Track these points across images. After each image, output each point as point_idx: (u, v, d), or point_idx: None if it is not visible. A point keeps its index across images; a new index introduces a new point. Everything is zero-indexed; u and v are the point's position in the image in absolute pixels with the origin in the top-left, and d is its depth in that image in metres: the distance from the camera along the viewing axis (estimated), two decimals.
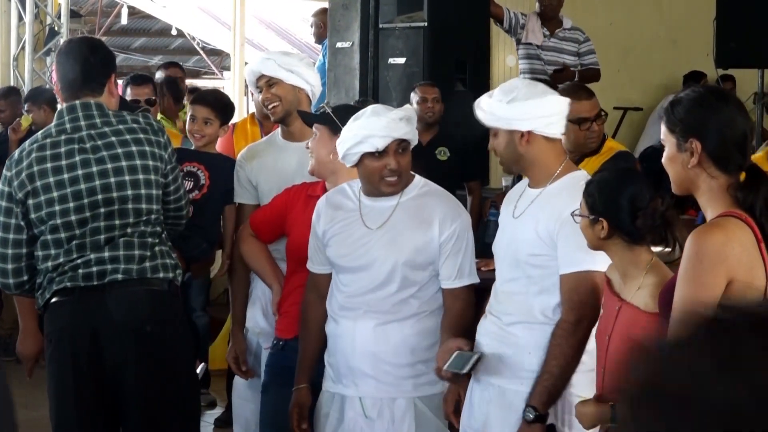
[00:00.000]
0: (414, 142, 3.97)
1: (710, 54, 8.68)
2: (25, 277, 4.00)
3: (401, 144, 3.88)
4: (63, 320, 3.95)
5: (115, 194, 3.94)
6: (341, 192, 4.06)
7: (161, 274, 3.98)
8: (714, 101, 3.03)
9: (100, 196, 3.93)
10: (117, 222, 3.94)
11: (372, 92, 7.80)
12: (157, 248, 4.00)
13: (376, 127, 3.84)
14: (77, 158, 3.94)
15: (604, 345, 3.41)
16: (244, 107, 12.50)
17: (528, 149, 3.68)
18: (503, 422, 3.71)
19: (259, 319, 4.64)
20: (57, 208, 3.91)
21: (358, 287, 3.93)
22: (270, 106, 4.69)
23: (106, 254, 3.92)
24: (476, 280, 3.98)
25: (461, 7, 7.80)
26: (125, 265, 3.92)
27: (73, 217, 3.91)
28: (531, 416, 3.58)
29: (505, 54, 9.57)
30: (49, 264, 3.93)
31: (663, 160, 3.07)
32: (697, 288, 2.91)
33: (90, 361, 3.91)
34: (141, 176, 3.97)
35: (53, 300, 3.95)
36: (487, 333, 3.81)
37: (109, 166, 3.94)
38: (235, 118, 6.41)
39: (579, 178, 3.68)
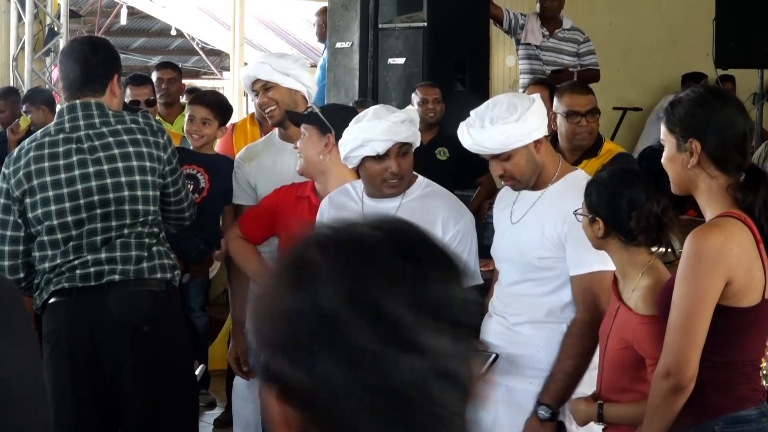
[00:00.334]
0: (416, 144, 3.95)
1: (710, 54, 8.68)
2: (22, 275, 3.99)
3: (403, 147, 3.87)
4: (60, 320, 3.95)
5: (111, 195, 3.93)
6: (344, 192, 4.05)
7: (159, 275, 3.98)
8: (714, 101, 3.03)
9: (96, 197, 3.92)
10: (114, 223, 3.93)
11: (371, 92, 7.79)
12: (154, 249, 4.00)
13: (377, 131, 3.82)
14: (74, 158, 3.93)
15: (603, 344, 3.42)
16: (243, 107, 12.50)
17: (541, 155, 3.71)
18: (513, 422, 3.73)
19: None
20: (53, 207, 3.90)
21: None
22: (267, 110, 4.68)
23: (103, 255, 3.91)
24: (480, 280, 3.97)
25: (461, 7, 7.79)
26: (122, 266, 3.92)
27: (69, 218, 3.90)
28: (547, 415, 3.61)
29: (504, 54, 9.57)
30: (47, 265, 3.92)
31: (663, 160, 3.07)
32: (696, 288, 2.91)
33: (88, 361, 3.91)
34: (138, 177, 3.96)
35: (51, 300, 3.95)
36: (493, 333, 3.81)
37: (105, 167, 3.93)
38: (235, 119, 6.41)
39: (580, 178, 3.70)
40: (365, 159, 3.86)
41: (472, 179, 7.31)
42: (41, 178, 3.92)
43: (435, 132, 7.27)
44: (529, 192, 3.77)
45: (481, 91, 7.98)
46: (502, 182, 3.86)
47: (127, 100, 6.90)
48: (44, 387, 2.18)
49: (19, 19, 10.27)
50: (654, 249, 3.38)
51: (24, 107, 8.19)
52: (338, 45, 7.98)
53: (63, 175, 3.92)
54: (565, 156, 5.23)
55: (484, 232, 6.30)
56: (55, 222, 3.90)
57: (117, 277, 3.91)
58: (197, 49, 17.90)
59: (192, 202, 4.32)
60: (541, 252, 3.68)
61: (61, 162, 3.93)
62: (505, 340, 3.77)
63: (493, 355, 3.67)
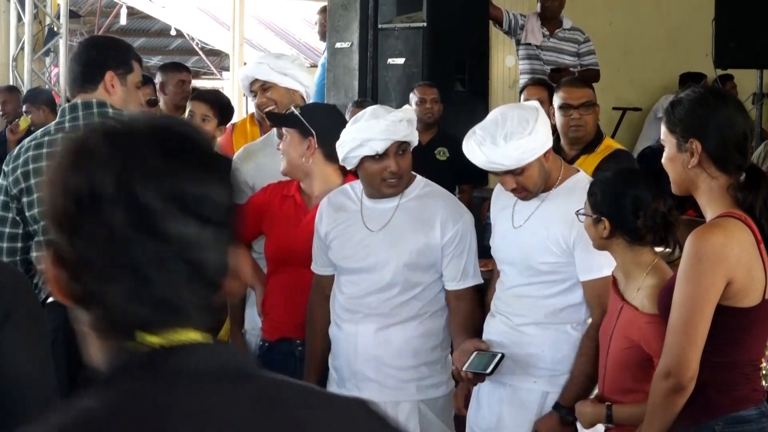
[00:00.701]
0: (414, 143, 3.94)
1: (709, 54, 8.68)
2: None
3: (401, 146, 3.86)
4: (59, 321, 3.94)
5: None
6: (343, 193, 4.04)
7: None
8: (714, 102, 3.03)
9: None
10: None
11: (371, 92, 7.79)
12: None
13: (375, 131, 3.81)
14: None
15: (606, 345, 3.42)
16: (243, 107, 12.49)
17: (549, 163, 3.72)
18: (517, 421, 3.74)
19: (258, 320, 4.63)
20: None
21: (359, 289, 3.90)
22: (265, 111, 4.67)
23: None
24: (480, 280, 3.97)
25: (461, 7, 7.78)
26: None
27: None
28: (570, 418, 3.60)
29: (504, 54, 9.56)
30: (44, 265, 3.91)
31: (663, 160, 3.07)
32: (697, 288, 2.91)
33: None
34: None
35: (49, 300, 3.94)
36: (497, 332, 3.82)
37: None
38: (235, 119, 6.40)
39: (583, 180, 3.70)
40: (364, 159, 3.85)
41: (472, 179, 7.32)
42: (38, 177, 3.92)
43: (434, 132, 7.27)
44: None
45: (480, 92, 7.99)
46: (513, 194, 3.81)
47: None
48: (54, 385, 2.23)
49: (19, 19, 10.28)
50: (658, 249, 3.39)
51: (24, 107, 8.20)
52: (338, 45, 7.98)
53: None
54: (565, 151, 5.23)
55: (484, 232, 6.30)
56: None
57: None
58: (197, 49, 17.90)
59: None
60: (546, 257, 3.69)
61: None
62: (509, 339, 3.77)
63: (499, 355, 3.67)
